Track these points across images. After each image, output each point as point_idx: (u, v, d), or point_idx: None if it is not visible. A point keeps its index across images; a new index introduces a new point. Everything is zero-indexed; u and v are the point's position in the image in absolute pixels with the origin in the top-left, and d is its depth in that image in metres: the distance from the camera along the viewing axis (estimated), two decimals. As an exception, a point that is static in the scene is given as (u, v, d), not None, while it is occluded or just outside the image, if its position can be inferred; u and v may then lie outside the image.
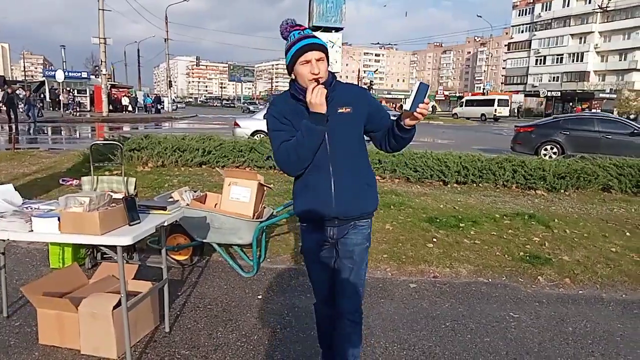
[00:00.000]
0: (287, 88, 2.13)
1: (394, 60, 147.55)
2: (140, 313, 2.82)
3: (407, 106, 1.88)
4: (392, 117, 2.11)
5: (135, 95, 43.14)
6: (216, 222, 3.63)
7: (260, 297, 3.51)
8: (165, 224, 2.69)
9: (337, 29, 5.65)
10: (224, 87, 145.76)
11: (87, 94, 36.81)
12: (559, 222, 5.73)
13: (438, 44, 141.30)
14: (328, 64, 2.06)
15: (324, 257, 2.18)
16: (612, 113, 46.95)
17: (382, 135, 2.11)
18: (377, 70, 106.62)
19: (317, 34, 6.13)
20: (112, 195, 2.57)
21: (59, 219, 2.35)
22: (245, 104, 62.15)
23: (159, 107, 40.59)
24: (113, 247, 2.44)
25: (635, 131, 12.23)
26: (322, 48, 1.97)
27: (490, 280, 4.00)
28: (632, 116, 38.94)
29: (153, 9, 48.45)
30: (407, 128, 1.97)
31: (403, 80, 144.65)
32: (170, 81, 47.18)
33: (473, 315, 3.34)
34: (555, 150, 12.85)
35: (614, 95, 50.49)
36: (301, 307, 3.35)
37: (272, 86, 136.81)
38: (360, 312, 2.19)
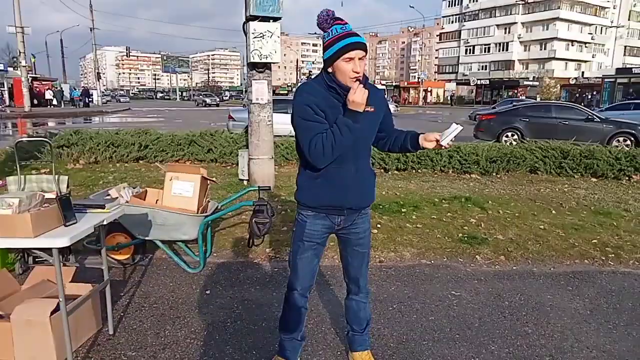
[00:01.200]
0: (319, 76, 2.12)
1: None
2: (81, 317, 2.68)
3: (443, 141, 2.11)
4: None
5: (61, 88, 40.45)
6: (159, 218, 3.51)
7: (208, 292, 3.45)
8: (105, 222, 2.57)
9: (275, 19, 5.52)
10: (158, 79, 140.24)
11: (5, 87, 34.05)
12: (493, 204, 6.07)
13: (374, 34, 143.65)
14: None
15: (319, 245, 2.26)
16: (536, 99, 50.15)
17: (385, 137, 2.32)
18: (315, 60, 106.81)
19: (254, 23, 6.04)
20: (44, 195, 2.41)
21: (-16, 223, 2.17)
22: (201, 96, 56.97)
23: (87, 100, 38.33)
24: (48, 250, 2.29)
25: (589, 117, 13.18)
26: (365, 47, 2.00)
27: (432, 261, 4.17)
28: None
29: (75, -5, 45.37)
30: (421, 147, 2.21)
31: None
32: (98, 73, 44.63)
33: (418, 296, 3.48)
34: (515, 136, 13.47)
35: (537, 83, 53.93)
36: (251, 300, 3.33)
37: (208, 77, 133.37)
38: (368, 289, 2.48)
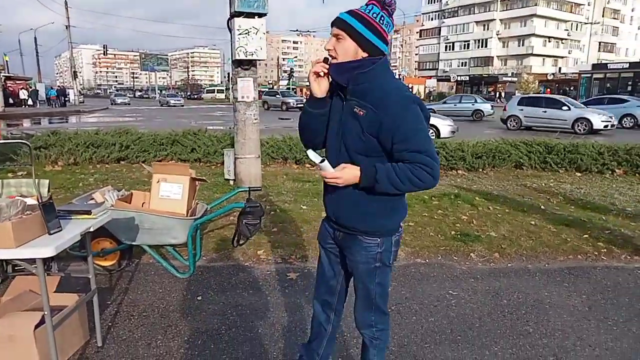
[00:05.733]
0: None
1: (312, 47, 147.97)
2: (68, 329, 2.53)
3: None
4: None
5: (36, 87, 39.38)
6: (146, 222, 3.37)
7: (200, 298, 3.32)
8: (92, 229, 2.43)
9: (260, 15, 5.38)
10: (137, 77, 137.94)
11: (-23, 87, 32.96)
12: (482, 200, 6.06)
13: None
14: (362, 47, 1.76)
15: (330, 253, 2.07)
16: (515, 94, 50.85)
17: (391, 157, 1.77)
18: (296, 57, 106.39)
19: (239, 20, 5.89)
20: (25, 202, 2.26)
21: (-39, 233, 2.01)
22: (165, 97, 49.81)
23: (64, 100, 37.40)
24: (31, 260, 2.15)
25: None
26: (341, 24, 1.75)
27: (427, 260, 4.12)
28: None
29: (50, -8, 44.24)
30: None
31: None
32: (74, 72, 43.57)
33: (415, 296, 3.41)
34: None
35: (515, 79, 54.69)
36: (245, 305, 3.22)
37: (188, 75, 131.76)
38: (376, 331, 2.04)
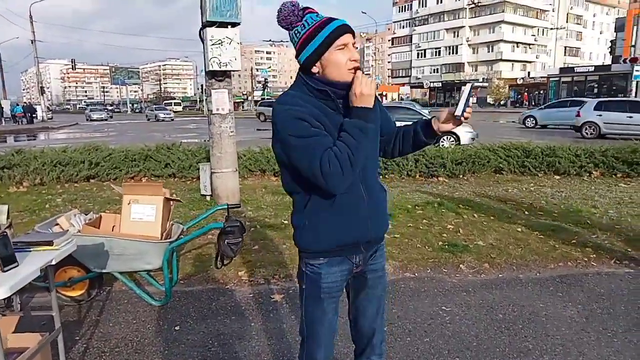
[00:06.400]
0: (296, 84, 1.68)
1: (286, 57, 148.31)
2: (28, 375, 2.26)
3: (458, 111, 1.70)
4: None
5: (1, 104, 38.09)
6: (117, 248, 3.11)
7: (178, 328, 3.07)
8: (54, 262, 2.18)
9: (234, 24, 5.20)
10: (107, 91, 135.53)
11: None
12: (466, 207, 5.96)
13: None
14: None
15: (338, 296, 1.79)
16: (486, 100, 51.83)
17: (390, 140, 1.90)
18: (270, 67, 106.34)
19: (211, 30, 5.69)
20: (-26, 235, 2.00)
21: None
22: (153, 110, 45.53)
23: (31, 116, 36.23)
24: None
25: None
26: (354, 32, 1.65)
27: (416, 274, 3.96)
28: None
29: (16, 8, 43.09)
30: (439, 133, 1.80)
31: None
32: (42, 87, 42.36)
33: (408, 315, 3.24)
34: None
35: (487, 84, 55.78)
36: (228, 334, 2.99)
37: (160, 88, 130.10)
38: (384, 346, 1.97)
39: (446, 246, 4.50)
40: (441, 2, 66.11)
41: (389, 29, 78.78)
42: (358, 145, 1.53)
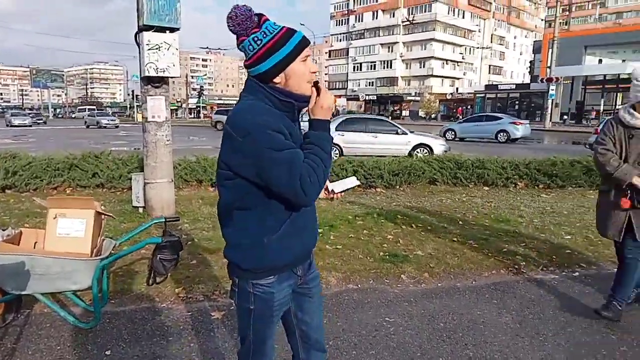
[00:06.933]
0: (256, 93, 1.60)
1: (222, 65, 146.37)
2: None
3: (335, 187, 1.90)
4: None
5: None
6: (39, 267, 2.83)
7: (108, 352, 2.84)
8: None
9: (173, 29, 4.99)
10: (26, 94, 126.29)
11: None
12: (405, 218, 6.10)
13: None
14: None
15: (286, 309, 1.80)
16: (418, 113, 54.01)
17: None
18: (205, 74, 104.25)
19: (149, 34, 5.45)
20: None
21: None
22: (94, 116, 40.98)
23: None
24: None
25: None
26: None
27: (359, 285, 3.96)
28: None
29: None
30: None
31: (233, 86, 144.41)
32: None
33: (352, 327, 3.22)
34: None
35: (418, 98, 58.20)
36: (164, 357, 2.80)
37: (87, 92, 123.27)
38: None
39: (387, 256, 4.56)
40: (376, 17, 68.42)
41: (326, 42, 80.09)
42: (327, 157, 1.55)
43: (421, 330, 3.20)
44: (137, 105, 58.62)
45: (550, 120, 32.15)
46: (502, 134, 22.11)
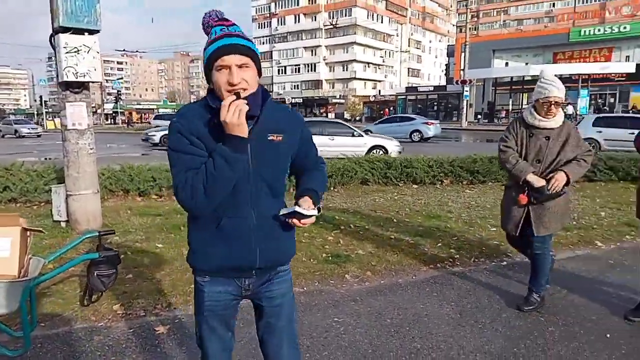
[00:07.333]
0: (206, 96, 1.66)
1: (140, 69, 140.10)
2: None
3: (282, 211, 1.71)
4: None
5: None
6: (-43, 293, 2.54)
7: (44, 380, 2.62)
8: None
9: (92, 32, 4.64)
10: None
11: None
12: (343, 218, 6.22)
13: (185, 53, 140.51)
14: (260, 73, 1.64)
15: (228, 316, 1.79)
16: (344, 115, 55.18)
17: (296, 172, 1.87)
18: (121, 78, 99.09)
19: (65, 36, 5.10)
20: None
21: None
22: (11, 124, 36.34)
23: None
24: None
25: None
26: (247, 51, 1.56)
27: (305, 288, 3.98)
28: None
29: None
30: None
31: (152, 90, 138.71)
32: None
33: (303, 330, 3.22)
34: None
35: (343, 100, 59.47)
36: (109, 379, 2.64)
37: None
38: None
39: (330, 258, 4.62)
40: (299, 21, 69.00)
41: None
42: (217, 175, 1.52)
43: (370, 328, 3.28)
44: (46, 112, 54.36)
45: (466, 120, 34.30)
46: (415, 133, 23.44)
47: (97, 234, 3.21)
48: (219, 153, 1.53)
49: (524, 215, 3.40)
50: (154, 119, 32.71)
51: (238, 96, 1.53)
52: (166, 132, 20.56)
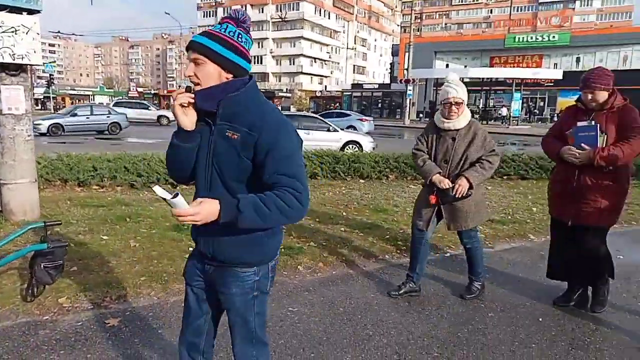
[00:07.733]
0: None
1: (75, 52, 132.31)
2: None
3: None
4: None
5: None
6: None
7: (-13, 377, 2.50)
8: None
9: (32, 11, 4.32)
10: None
11: None
12: (293, 211, 6.27)
13: (124, 38, 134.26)
14: (225, 68, 1.70)
15: (199, 291, 1.91)
16: (290, 109, 55.15)
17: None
18: (54, 61, 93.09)
19: (1, 14, 4.79)
20: None
21: None
22: None
23: None
24: None
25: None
26: (200, 48, 1.65)
27: (258, 280, 4.01)
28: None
29: None
30: None
31: (87, 75, 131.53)
32: None
33: (258, 320, 3.27)
34: None
35: (290, 94, 59.33)
36: (59, 372, 2.55)
37: None
38: None
39: (283, 249, 4.67)
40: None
41: (192, 33, 77.08)
42: (168, 152, 1.82)
43: (323, 316, 3.38)
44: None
45: (409, 118, 35.35)
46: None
47: (43, 224, 3.10)
48: (172, 137, 1.78)
49: (434, 214, 3.63)
50: (114, 105, 30.11)
51: (188, 89, 1.69)
52: (53, 121, 19.15)
